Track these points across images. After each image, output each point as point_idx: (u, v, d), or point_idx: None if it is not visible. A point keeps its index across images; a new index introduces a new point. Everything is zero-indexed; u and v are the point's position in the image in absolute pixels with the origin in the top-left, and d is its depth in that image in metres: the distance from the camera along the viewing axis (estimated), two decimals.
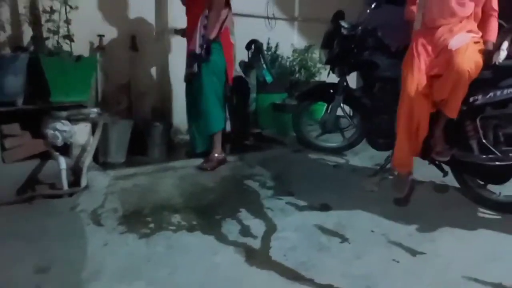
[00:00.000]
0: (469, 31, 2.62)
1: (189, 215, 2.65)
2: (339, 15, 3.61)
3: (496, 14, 2.72)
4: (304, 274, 2.00)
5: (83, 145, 3.23)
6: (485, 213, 2.72)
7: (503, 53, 2.47)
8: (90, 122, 3.27)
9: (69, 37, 3.18)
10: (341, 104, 3.76)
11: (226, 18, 3.57)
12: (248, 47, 4.52)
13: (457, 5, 2.61)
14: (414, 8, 2.96)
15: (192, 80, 3.56)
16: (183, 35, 3.82)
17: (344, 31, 3.48)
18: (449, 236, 2.41)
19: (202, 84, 3.52)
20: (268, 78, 4.50)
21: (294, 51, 5.07)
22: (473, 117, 2.60)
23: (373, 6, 3.36)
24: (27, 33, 3.35)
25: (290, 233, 2.43)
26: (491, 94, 2.50)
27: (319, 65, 4.92)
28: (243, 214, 2.69)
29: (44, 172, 2.96)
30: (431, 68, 2.62)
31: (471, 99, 2.55)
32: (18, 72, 2.96)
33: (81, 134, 3.22)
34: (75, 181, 3.00)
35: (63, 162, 2.93)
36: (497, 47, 2.52)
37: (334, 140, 4.10)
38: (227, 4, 3.57)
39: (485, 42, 2.65)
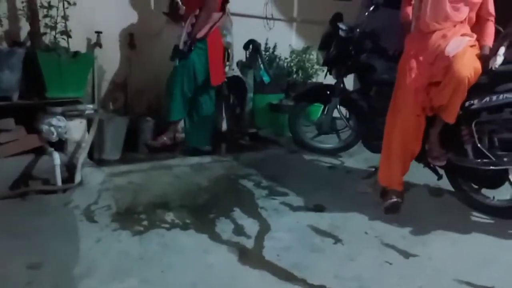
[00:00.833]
0: (463, 35, 2.62)
1: (183, 213, 2.64)
2: (337, 17, 3.62)
3: (492, 18, 2.71)
4: (296, 275, 2.00)
5: (78, 141, 3.23)
6: (478, 217, 2.73)
7: (499, 59, 2.48)
8: (86, 118, 3.26)
9: (66, 33, 3.17)
10: (338, 106, 3.77)
11: (218, 21, 3.60)
12: (246, 47, 4.52)
13: (451, 10, 2.61)
14: (409, 9, 2.97)
15: None
16: (173, 19, 3.97)
17: (342, 33, 3.49)
18: (442, 239, 2.42)
19: (174, 76, 3.68)
20: (266, 79, 4.50)
21: (292, 52, 5.07)
22: (468, 122, 2.61)
23: (371, 9, 3.37)
24: (25, 28, 3.34)
25: (284, 234, 2.43)
26: (487, 99, 2.51)
27: (316, 67, 4.92)
28: (237, 213, 2.68)
29: (38, 167, 2.94)
30: (430, 77, 2.62)
31: (467, 104, 2.55)
32: (14, 67, 2.94)
33: (76, 130, 3.21)
34: (69, 177, 2.99)
35: (57, 158, 2.92)
36: (494, 52, 2.53)
37: (329, 142, 4.10)
38: (222, 9, 3.60)
39: (481, 47, 2.65)
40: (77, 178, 2.94)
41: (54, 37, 3.14)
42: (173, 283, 1.91)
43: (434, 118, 2.69)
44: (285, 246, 2.28)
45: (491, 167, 2.57)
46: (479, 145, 2.60)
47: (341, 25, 3.52)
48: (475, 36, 2.65)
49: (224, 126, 4.60)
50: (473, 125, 2.60)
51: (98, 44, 3.78)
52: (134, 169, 3.33)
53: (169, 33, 4.16)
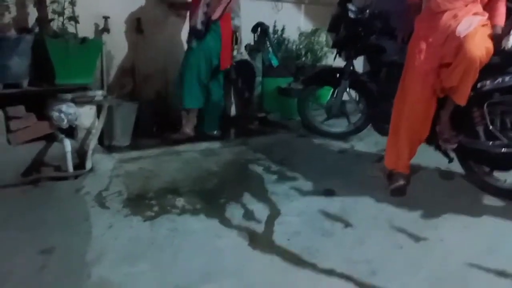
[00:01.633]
0: (475, 14, 2.55)
1: (193, 198, 2.66)
2: None
3: None
4: (307, 259, 2.01)
5: (88, 127, 3.24)
6: (490, 200, 2.71)
7: None
8: (95, 104, 3.27)
9: (74, 18, 3.16)
10: (347, 89, 3.74)
11: (230, 1, 3.56)
12: (254, 30, 4.48)
13: None
14: None
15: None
16: (176, 9, 3.99)
17: (351, 15, 3.44)
18: (452, 223, 2.41)
19: (188, 59, 3.63)
20: (274, 62, 4.47)
21: (301, 34, 5.02)
22: (480, 103, 2.57)
23: None
24: (32, 14, 3.33)
25: (294, 218, 2.44)
26: (499, 79, 2.47)
27: (325, 49, 4.88)
28: (247, 198, 2.69)
29: (49, 154, 2.97)
30: (440, 58, 2.57)
31: (479, 85, 2.51)
32: (23, 54, 2.95)
33: (86, 116, 3.23)
34: (80, 163, 3.02)
35: (68, 144, 2.94)
36: (507, 32, 2.47)
37: (339, 125, 4.09)
38: None
39: (493, 27, 2.59)
40: (88, 165, 2.97)
41: (62, 23, 3.13)
42: (183, 268, 1.93)
43: (444, 100, 2.65)
44: (295, 231, 2.28)
45: (504, 149, 2.54)
46: (491, 127, 2.56)
47: (350, 6, 3.47)
48: (486, 15, 2.58)
49: (232, 111, 4.59)
50: (485, 106, 2.55)
51: (106, 29, 3.77)
52: (144, 155, 3.35)
53: (175, 19, 4.14)
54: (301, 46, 4.95)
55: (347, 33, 3.51)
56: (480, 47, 2.41)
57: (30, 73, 3.04)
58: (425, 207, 2.56)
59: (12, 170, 2.80)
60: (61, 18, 3.14)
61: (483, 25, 2.54)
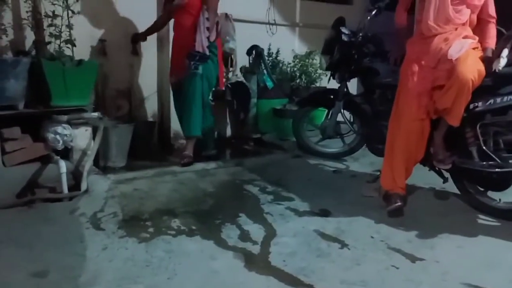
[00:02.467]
0: (465, 37, 2.61)
1: (188, 219, 2.65)
2: (339, 22, 3.64)
3: (494, 20, 2.71)
4: (303, 280, 1.99)
5: (83, 149, 3.25)
6: (485, 220, 2.72)
7: (503, 61, 2.47)
8: (91, 126, 3.28)
9: (71, 41, 3.19)
10: (342, 110, 3.78)
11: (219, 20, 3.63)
12: (249, 52, 4.54)
13: (453, 12, 2.60)
14: (405, 15, 2.97)
15: (180, 86, 3.65)
16: (143, 39, 3.98)
17: (344, 38, 3.50)
18: (448, 242, 2.41)
19: (194, 85, 3.54)
20: (269, 84, 4.52)
21: (295, 56, 5.09)
22: (473, 124, 2.60)
23: (373, 13, 3.38)
24: (29, 37, 3.37)
25: (290, 239, 2.43)
26: (491, 101, 2.50)
27: (319, 71, 4.94)
28: (243, 219, 2.68)
29: (44, 175, 2.97)
30: (433, 80, 2.62)
31: (471, 106, 2.55)
32: (20, 76, 2.97)
33: (81, 138, 3.24)
34: (75, 185, 3.01)
35: (63, 166, 2.94)
36: (498, 54, 2.52)
37: (334, 146, 4.11)
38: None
39: (484, 49, 2.65)
40: (83, 186, 2.96)
41: (59, 45, 3.17)
42: None
43: (438, 121, 2.68)
44: (291, 251, 2.27)
45: (497, 169, 2.56)
46: (484, 147, 2.59)
47: (343, 30, 3.54)
48: (477, 38, 2.65)
49: (228, 132, 4.62)
50: (477, 127, 2.59)
51: (103, 52, 3.81)
52: (139, 176, 3.34)
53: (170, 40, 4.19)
54: (295, 68, 5.02)
55: (340, 56, 3.56)
56: (472, 69, 2.45)
57: (26, 94, 3.05)
58: (420, 227, 2.56)
59: (6, 191, 2.78)
60: (58, 41, 3.17)
61: (474, 48, 2.59)
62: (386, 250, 2.31)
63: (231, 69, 4.48)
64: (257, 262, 2.16)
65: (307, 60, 4.99)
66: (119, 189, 3.08)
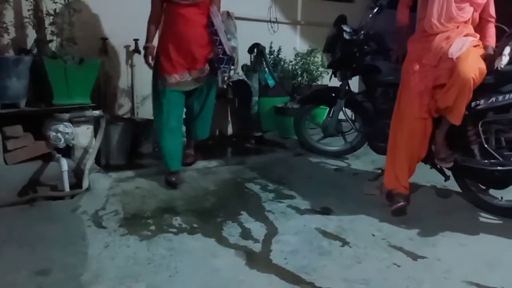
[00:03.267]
0: (466, 36, 2.60)
1: (190, 217, 2.65)
2: (341, 20, 3.63)
3: (493, 20, 2.71)
4: (304, 278, 2.00)
5: (85, 147, 3.25)
6: (487, 218, 2.72)
7: (505, 58, 2.47)
8: (92, 124, 3.28)
9: (72, 40, 3.19)
10: (343, 108, 3.77)
11: None
12: (250, 51, 4.53)
13: (456, 10, 2.59)
14: (407, 12, 2.96)
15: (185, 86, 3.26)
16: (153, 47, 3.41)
17: (346, 36, 3.50)
18: (450, 240, 2.41)
19: (216, 89, 3.51)
20: (271, 82, 4.52)
21: (297, 54, 5.09)
22: (475, 122, 2.60)
23: (375, 11, 3.37)
24: (31, 35, 3.37)
25: (291, 237, 2.43)
26: (493, 99, 2.50)
27: (321, 69, 4.93)
28: (244, 217, 2.69)
29: (46, 174, 2.98)
30: (434, 79, 2.61)
31: (473, 104, 2.54)
32: (21, 75, 2.97)
33: (83, 136, 3.24)
34: (76, 183, 3.01)
35: (65, 164, 2.94)
36: (499, 52, 2.51)
37: (335, 144, 4.11)
38: None
39: (485, 47, 2.64)
40: (85, 184, 2.96)
41: (61, 44, 3.17)
42: None
43: (439, 119, 2.68)
44: (293, 249, 2.27)
45: (499, 167, 2.56)
46: (485, 145, 2.59)
47: (345, 27, 3.53)
48: (478, 36, 2.64)
49: (229, 130, 4.62)
50: (479, 125, 2.58)
51: (104, 50, 3.81)
52: (140, 174, 3.35)
53: None
54: (297, 66, 5.01)
55: (342, 54, 3.55)
56: (473, 67, 2.44)
57: (28, 93, 3.05)
58: (422, 225, 2.57)
59: (8, 190, 2.79)
60: (59, 39, 3.18)
61: (475, 46, 2.59)
62: (388, 248, 2.31)
63: (232, 67, 4.47)
64: (259, 260, 2.16)
65: (308, 58, 4.97)
66: (121, 187, 3.08)
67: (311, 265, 2.11)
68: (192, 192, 3.10)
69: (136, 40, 4.04)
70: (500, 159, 2.55)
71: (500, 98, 2.48)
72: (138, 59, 4.11)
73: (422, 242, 2.39)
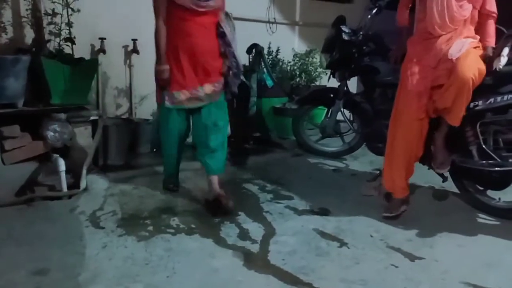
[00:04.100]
0: (466, 37, 2.60)
1: (188, 218, 2.65)
2: (340, 20, 3.63)
3: (494, 15, 2.65)
4: (302, 279, 1.99)
5: (83, 147, 3.24)
6: (484, 219, 2.72)
7: (503, 59, 2.47)
8: (90, 124, 3.28)
9: (70, 39, 3.19)
10: (341, 109, 3.77)
11: None
12: (249, 51, 4.53)
13: (457, 7, 2.56)
14: (407, 13, 2.95)
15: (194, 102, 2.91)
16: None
17: (345, 36, 3.50)
18: (448, 241, 2.41)
19: (225, 104, 3.11)
20: (269, 82, 4.52)
21: (295, 55, 5.09)
22: (473, 123, 2.60)
23: (374, 11, 3.38)
24: (29, 35, 3.37)
25: (289, 237, 2.43)
26: (491, 100, 2.50)
27: (319, 70, 4.93)
28: (242, 217, 2.68)
29: (43, 174, 2.97)
30: (433, 80, 2.60)
31: (471, 105, 2.54)
32: (19, 74, 2.96)
33: (81, 136, 3.23)
34: (74, 183, 3.01)
35: (62, 164, 2.94)
36: (498, 53, 2.51)
37: (334, 145, 4.12)
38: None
39: (484, 48, 2.64)
40: (82, 184, 2.96)
41: (59, 43, 3.17)
42: None
43: (438, 121, 2.67)
44: (291, 250, 2.27)
45: (497, 168, 2.56)
46: (484, 146, 2.59)
47: (344, 28, 3.53)
48: (478, 37, 2.64)
49: (228, 131, 4.60)
50: (477, 126, 2.59)
51: (102, 50, 3.80)
52: (138, 174, 3.35)
53: None
54: (295, 67, 5.01)
55: (341, 54, 3.56)
56: (472, 68, 2.44)
57: (25, 93, 3.05)
58: (420, 226, 2.57)
59: (6, 190, 2.78)
60: (57, 39, 3.17)
61: (474, 47, 2.58)
62: (386, 249, 2.31)
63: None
64: (257, 261, 2.16)
65: (307, 59, 4.97)
66: (119, 188, 3.08)
67: (309, 266, 2.11)
68: (189, 192, 3.09)
69: (134, 40, 4.04)
70: (498, 160, 2.55)
71: (499, 99, 2.48)
72: (137, 59, 4.12)
73: (420, 243, 2.39)
